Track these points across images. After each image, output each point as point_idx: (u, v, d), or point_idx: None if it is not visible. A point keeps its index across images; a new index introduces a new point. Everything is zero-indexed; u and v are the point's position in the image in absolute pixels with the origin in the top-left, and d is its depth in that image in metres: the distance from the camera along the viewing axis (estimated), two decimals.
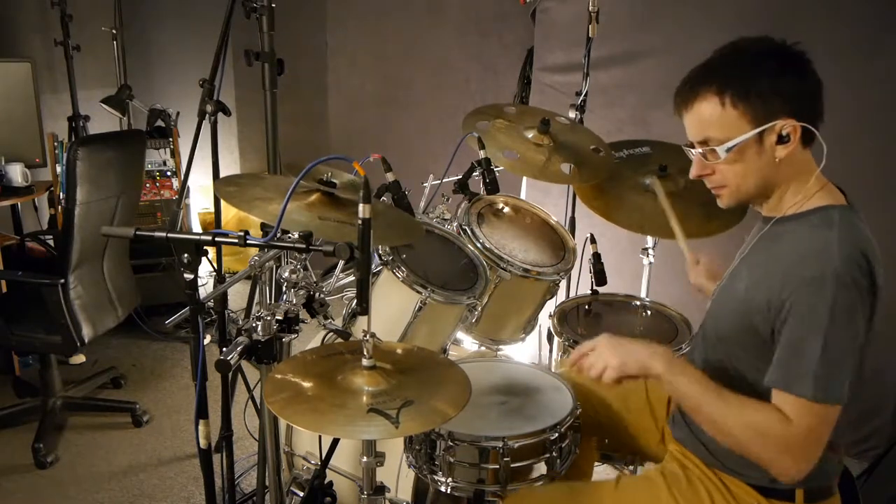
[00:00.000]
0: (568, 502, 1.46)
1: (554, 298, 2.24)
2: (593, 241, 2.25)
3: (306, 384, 1.33)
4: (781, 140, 1.25)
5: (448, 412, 1.27)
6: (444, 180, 2.17)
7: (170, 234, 1.34)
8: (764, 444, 1.21)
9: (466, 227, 2.05)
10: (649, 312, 2.22)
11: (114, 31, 3.80)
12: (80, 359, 3.34)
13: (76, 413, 2.93)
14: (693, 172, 1.36)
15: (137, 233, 1.37)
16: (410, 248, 1.89)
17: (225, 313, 1.61)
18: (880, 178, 2.47)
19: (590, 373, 1.37)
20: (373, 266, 1.84)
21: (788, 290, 1.21)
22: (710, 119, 1.28)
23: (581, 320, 2.17)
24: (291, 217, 1.47)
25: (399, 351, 1.51)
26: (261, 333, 1.40)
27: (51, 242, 3.35)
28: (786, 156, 1.26)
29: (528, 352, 2.54)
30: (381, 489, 1.47)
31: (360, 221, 1.22)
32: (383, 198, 1.91)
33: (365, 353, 1.34)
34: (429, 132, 3.98)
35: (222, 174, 1.97)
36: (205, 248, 1.36)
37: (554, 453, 1.52)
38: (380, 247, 1.84)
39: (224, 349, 1.36)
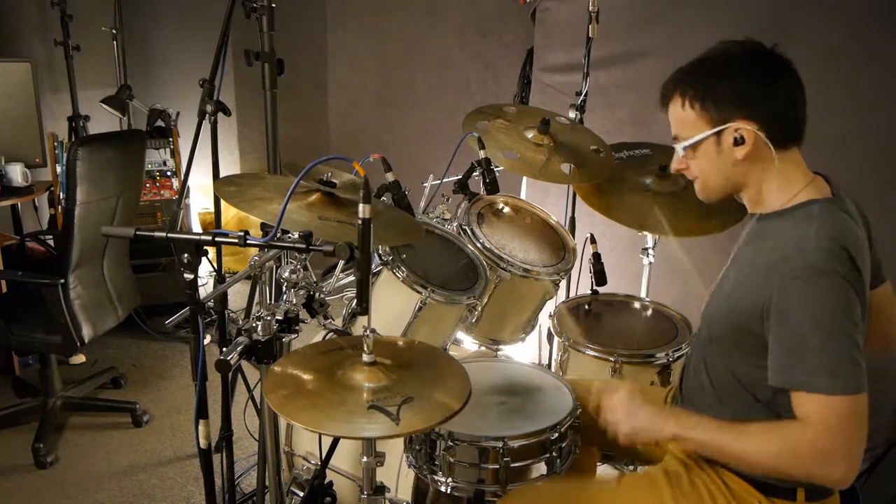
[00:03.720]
0: (569, 499, 1.46)
1: (554, 298, 2.24)
2: (593, 241, 2.25)
3: (306, 377, 1.33)
4: (737, 142, 1.28)
5: (447, 410, 1.27)
6: (444, 180, 2.17)
7: (170, 234, 1.34)
8: (794, 459, 1.19)
9: (466, 227, 2.06)
10: (649, 312, 2.22)
11: (114, 31, 3.80)
12: (80, 359, 3.34)
13: (76, 413, 2.93)
14: (672, 166, 1.42)
15: (137, 233, 1.37)
16: (410, 248, 1.89)
17: (225, 313, 1.60)
18: (879, 179, 2.47)
19: (606, 429, 1.41)
20: (373, 266, 1.84)
21: (772, 286, 1.21)
22: (675, 117, 1.36)
23: (581, 320, 2.17)
24: (291, 217, 1.47)
25: (399, 345, 1.51)
26: (261, 333, 1.40)
27: (51, 242, 3.35)
28: (744, 157, 1.29)
29: (528, 352, 2.54)
30: (381, 489, 1.47)
31: (360, 221, 1.22)
32: (383, 198, 1.91)
33: (365, 349, 1.34)
34: (429, 132, 3.98)
35: (222, 174, 1.97)
36: (205, 248, 1.36)
37: (554, 453, 1.52)
38: (380, 247, 1.84)
39: (224, 349, 1.36)
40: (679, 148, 1.36)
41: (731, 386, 1.34)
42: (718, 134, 1.30)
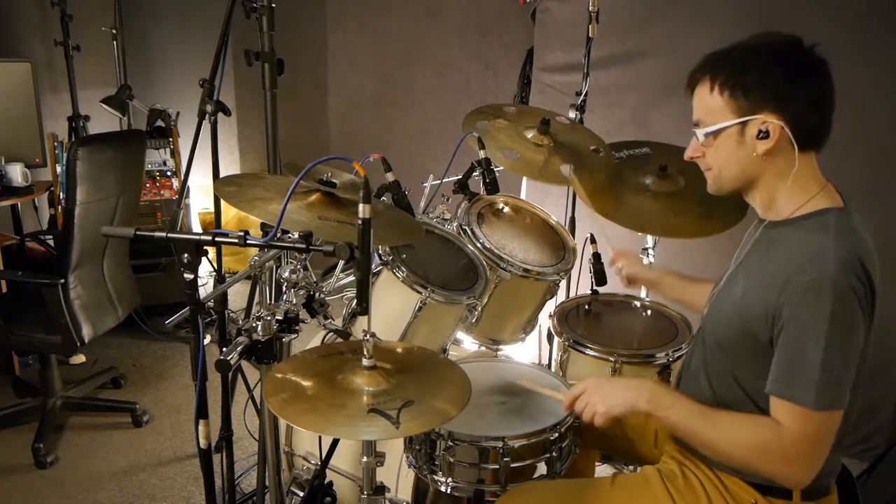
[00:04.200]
0: (564, 499, 1.46)
1: (554, 298, 2.23)
2: (593, 241, 2.25)
3: (306, 383, 1.33)
4: (761, 135, 1.25)
5: (448, 413, 1.27)
6: (444, 180, 2.17)
7: (170, 234, 1.34)
8: (762, 457, 1.22)
9: (466, 227, 2.06)
10: (649, 312, 2.22)
11: (114, 31, 3.80)
12: (80, 359, 3.34)
13: (76, 413, 2.93)
14: (686, 153, 1.39)
15: (137, 233, 1.37)
16: (410, 248, 1.89)
17: (225, 313, 1.60)
18: (879, 179, 2.47)
19: (582, 416, 1.40)
20: (373, 266, 1.84)
21: (786, 296, 1.20)
22: (701, 102, 1.31)
23: (581, 320, 2.17)
24: (291, 217, 1.47)
25: (399, 350, 1.51)
26: (261, 333, 1.40)
27: (51, 242, 3.35)
28: (766, 152, 1.26)
29: (528, 352, 2.54)
30: (381, 489, 1.47)
31: (360, 221, 1.22)
32: (383, 198, 1.91)
33: (365, 352, 1.34)
34: (429, 132, 3.99)
35: (222, 174, 1.97)
36: (205, 248, 1.36)
37: (554, 453, 1.52)
38: (380, 247, 1.84)
39: (224, 349, 1.36)
40: (700, 134, 1.32)
41: (734, 393, 1.34)
42: (743, 124, 1.26)
